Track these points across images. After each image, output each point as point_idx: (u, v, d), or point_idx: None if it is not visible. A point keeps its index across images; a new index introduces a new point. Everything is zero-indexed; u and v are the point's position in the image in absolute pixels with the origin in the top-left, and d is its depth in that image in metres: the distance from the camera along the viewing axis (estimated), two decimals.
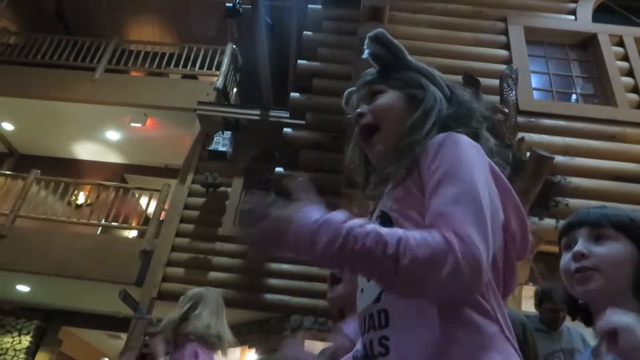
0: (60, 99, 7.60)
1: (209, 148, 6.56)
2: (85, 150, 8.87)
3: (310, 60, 4.60)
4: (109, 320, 7.28)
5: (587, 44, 4.88)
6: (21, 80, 7.65)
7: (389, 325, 0.80)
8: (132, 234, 8.67)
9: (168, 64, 8.14)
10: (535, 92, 4.56)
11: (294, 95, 4.46)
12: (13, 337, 7.24)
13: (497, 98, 3.79)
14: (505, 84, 3.82)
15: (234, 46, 8.30)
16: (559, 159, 3.68)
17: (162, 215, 6.75)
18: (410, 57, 1.04)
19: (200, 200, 6.67)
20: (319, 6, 4.86)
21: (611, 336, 0.83)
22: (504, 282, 0.84)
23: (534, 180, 3.24)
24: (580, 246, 1.05)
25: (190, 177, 6.82)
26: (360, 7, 4.03)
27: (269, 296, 6.04)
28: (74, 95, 7.59)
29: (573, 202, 3.67)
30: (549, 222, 3.63)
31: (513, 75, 3.89)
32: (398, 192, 0.88)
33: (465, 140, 0.86)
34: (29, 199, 6.78)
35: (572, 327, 2.93)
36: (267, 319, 6.06)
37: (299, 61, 4.63)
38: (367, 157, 1.04)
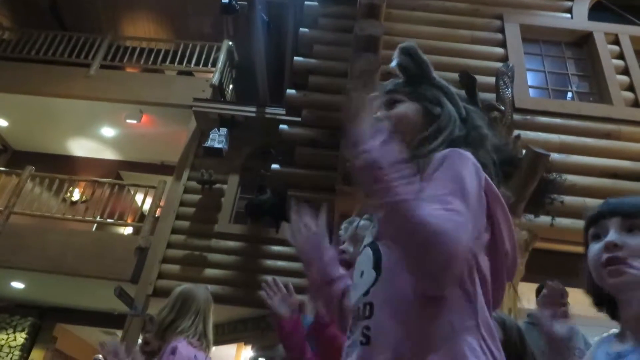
0: (54, 95, 7.56)
1: (205, 145, 6.55)
2: (80, 147, 8.83)
3: (307, 57, 4.59)
4: (105, 317, 7.26)
5: (582, 42, 4.89)
6: (15, 76, 7.60)
7: (372, 317, 0.84)
8: (127, 230, 8.65)
9: (164, 60, 8.11)
10: (531, 90, 4.57)
11: (290, 92, 4.45)
12: (8, 334, 7.21)
13: (493, 96, 3.79)
14: (502, 82, 3.83)
15: (230, 43, 8.27)
16: (554, 156, 3.68)
17: (158, 212, 6.73)
18: (434, 74, 1.09)
19: (196, 197, 6.66)
20: (316, 3, 4.85)
21: None
22: (492, 296, 0.86)
23: (529, 178, 3.25)
24: (613, 236, 1.01)
25: (186, 174, 6.81)
26: (357, 5, 4.02)
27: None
28: (68, 92, 7.55)
29: (569, 199, 3.69)
30: (545, 219, 3.65)
31: (509, 73, 3.90)
32: None
33: (470, 156, 0.88)
34: (23, 195, 6.74)
35: (574, 327, 2.94)
36: (263, 316, 6.06)
37: (295, 58, 4.61)
38: None
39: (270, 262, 6.25)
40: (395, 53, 1.09)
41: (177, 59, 8.04)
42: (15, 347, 7.12)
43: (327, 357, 1.50)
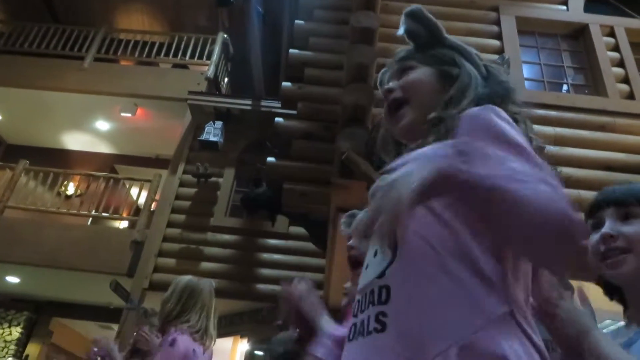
0: (48, 88, 7.51)
1: (200, 138, 6.53)
2: (74, 141, 8.78)
3: (302, 49, 4.56)
4: (100, 311, 7.27)
5: (578, 35, 4.89)
6: (8, 69, 7.54)
7: (389, 302, 0.75)
8: (123, 224, 8.63)
9: (158, 53, 8.06)
10: (526, 82, 4.57)
11: (286, 84, 4.43)
12: (3, 329, 7.20)
13: None
14: None
15: (225, 35, 8.23)
16: (550, 148, 3.69)
17: (154, 206, 6.72)
18: (446, 35, 1.02)
19: (191, 191, 6.65)
20: None
21: None
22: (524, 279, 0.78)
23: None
24: (607, 227, 1.00)
25: (181, 168, 6.79)
26: None
27: (261, 286, 6.05)
28: (62, 85, 7.50)
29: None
30: None
31: (505, 65, 3.90)
32: None
33: (502, 113, 0.82)
34: (17, 189, 6.71)
35: None
36: (259, 309, 6.09)
37: (291, 50, 4.59)
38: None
39: (266, 255, 6.26)
40: (402, 19, 1.02)
41: (172, 52, 8.00)
42: (11, 341, 7.11)
43: None
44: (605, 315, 2.56)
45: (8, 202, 6.57)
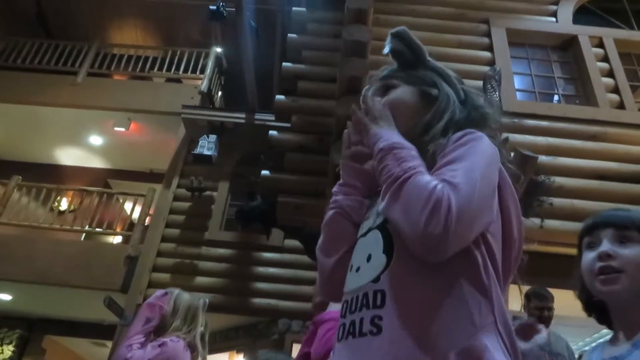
0: (41, 103, 7.49)
1: (194, 152, 6.52)
2: (67, 156, 8.75)
3: (295, 62, 4.59)
4: (94, 327, 7.18)
5: (568, 46, 4.95)
6: (1, 84, 7.52)
7: (384, 306, 0.78)
8: (116, 239, 8.57)
9: (152, 67, 8.07)
10: (518, 93, 4.61)
11: (279, 97, 4.45)
12: None
13: None
14: (489, 86, 3.86)
15: (219, 49, 8.26)
16: (542, 158, 3.71)
17: (147, 221, 6.68)
18: (429, 57, 1.07)
19: (185, 205, 6.62)
20: (304, 9, 4.87)
21: None
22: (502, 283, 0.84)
23: (515, 183, 3.26)
24: (606, 246, 1.06)
25: (175, 182, 6.77)
26: (345, 10, 4.04)
27: (257, 300, 6.01)
28: (55, 100, 7.49)
29: (557, 201, 3.71)
30: (534, 221, 3.67)
31: (496, 77, 3.93)
32: None
33: (485, 138, 0.88)
34: (10, 205, 6.66)
35: (557, 333, 3.00)
36: (255, 323, 6.03)
37: (284, 64, 4.62)
38: None
39: (261, 269, 6.22)
40: (388, 39, 1.07)
41: (165, 66, 8.01)
42: None
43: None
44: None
45: (0, 218, 6.51)
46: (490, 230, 0.82)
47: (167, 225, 6.48)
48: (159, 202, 6.67)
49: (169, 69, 7.98)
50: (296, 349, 4.94)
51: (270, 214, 4.58)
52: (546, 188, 3.64)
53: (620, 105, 4.45)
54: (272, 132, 4.35)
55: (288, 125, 4.35)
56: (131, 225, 6.74)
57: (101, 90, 7.62)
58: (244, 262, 6.25)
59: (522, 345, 1.47)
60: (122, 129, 7.73)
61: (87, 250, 6.49)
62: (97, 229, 6.70)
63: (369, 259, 0.86)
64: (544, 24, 5.04)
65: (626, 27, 5.15)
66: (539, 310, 3.02)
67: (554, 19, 5.05)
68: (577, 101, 4.72)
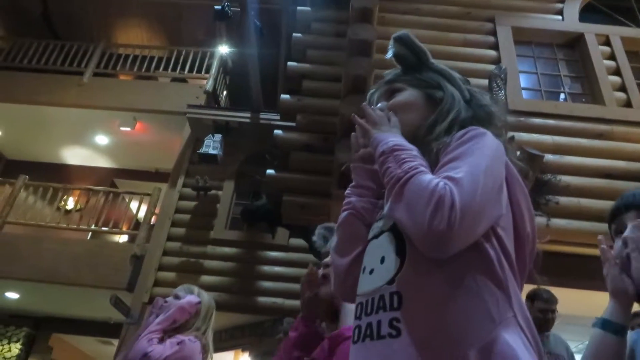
0: (47, 103, 7.54)
1: (200, 151, 6.53)
2: (74, 155, 8.79)
3: (300, 62, 4.59)
4: (100, 326, 7.21)
5: (574, 44, 4.92)
6: (8, 85, 7.57)
7: (401, 308, 0.79)
8: (122, 238, 8.61)
9: (157, 67, 8.10)
10: (524, 92, 4.59)
11: (284, 97, 4.44)
12: (2, 345, 7.15)
13: None
14: (495, 84, 3.84)
15: (224, 49, 8.28)
16: (548, 157, 3.70)
17: (153, 220, 6.70)
18: (432, 60, 1.08)
19: (191, 204, 6.64)
20: (308, 8, 4.86)
21: None
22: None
23: (524, 179, 3.25)
24: (628, 231, 1.03)
25: (180, 181, 6.79)
26: (350, 9, 4.03)
27: (262, 299, 6.02)
28: (61, 100, 7.53)
29: (563, 200, 3.70)
30: (540, 220, 3.66)
31: (502, 75, 3.91)
32: None
33: (489, 134, 0.89)
34: (17, 204, 6.70)
35: (557, 335, 2.98)
36: (260, 322, 6.04)
37: (289, 63, 4.61)
38: None
39: (266, 268, 6.23)
40: (390, 43, 1.09)
41: (171, 66, 8.04)
42: (10, 358, 7.05)
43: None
44: None
45: (7, 217, 6.56)
46: (500, 224, 0.83)
47: (173, 225, 6.50)
48: (165, 201, 6.69)
49: (174, 69, 8.01)
50: None
51: (275, 213, 4.58)
52: (552, 186, 3.62)
53: (627, 104, 4.42)
54: (277, 132, 4.35)
55: (293, 124, 4.35)
56: (137, 225, 6.77)
57: (107, 90, 7.65)
58: (249, 261, 6.26)
59: None
60: (128, 129, 7.77)
61: (93, 249, 6.52)
62: (103, 228, 6.74)
63: (382, 260, 0.87)
64: (550, 22, 5.01)
65: (633, 25, 5.11)
66: (543, 312, 2.95)
67: (560, 17, 5.02)
68: (583, 99, 4.69)
